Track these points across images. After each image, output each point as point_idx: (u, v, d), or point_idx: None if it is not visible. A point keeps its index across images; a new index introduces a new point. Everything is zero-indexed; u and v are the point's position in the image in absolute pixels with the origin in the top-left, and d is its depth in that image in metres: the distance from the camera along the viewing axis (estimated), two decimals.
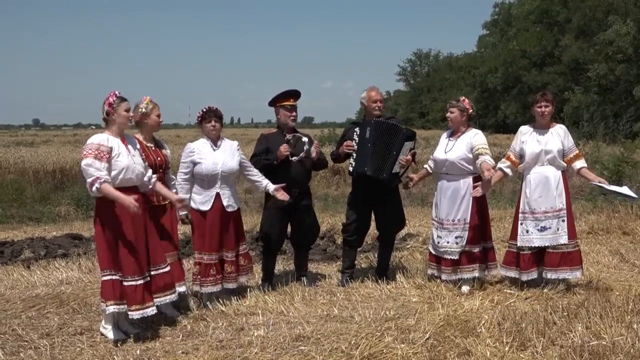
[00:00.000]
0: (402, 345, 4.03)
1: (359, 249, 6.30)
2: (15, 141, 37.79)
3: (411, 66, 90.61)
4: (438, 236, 5.57)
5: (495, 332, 4.31)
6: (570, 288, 5.38)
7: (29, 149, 23.06)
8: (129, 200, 4.23)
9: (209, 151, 5.19)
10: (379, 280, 5.79)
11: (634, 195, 5.46)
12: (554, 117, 5.58)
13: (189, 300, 5.26)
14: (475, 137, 5.43)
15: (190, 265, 5.53)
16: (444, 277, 5.55)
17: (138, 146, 4.65)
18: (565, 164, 5.42)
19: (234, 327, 4.67)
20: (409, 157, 5.62)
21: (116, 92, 4.47)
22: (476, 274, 5.49)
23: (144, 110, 4.90)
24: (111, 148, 4.34)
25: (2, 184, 14.22)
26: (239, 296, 5.32)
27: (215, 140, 5.28)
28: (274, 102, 5.76)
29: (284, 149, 5.49)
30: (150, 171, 4.70)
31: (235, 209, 5.28)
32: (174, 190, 5.10)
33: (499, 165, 5.57)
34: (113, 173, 4.32)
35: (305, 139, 5.69)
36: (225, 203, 5.18)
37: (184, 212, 5.16)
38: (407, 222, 6.43)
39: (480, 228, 5.49)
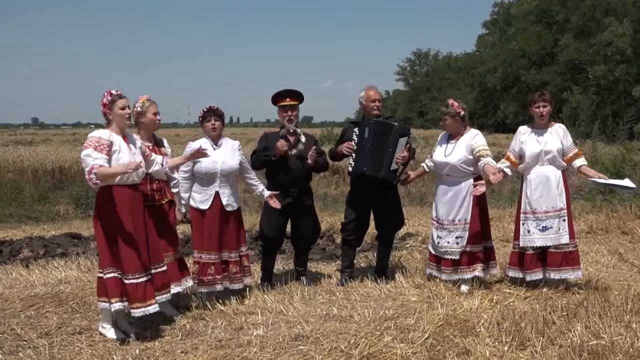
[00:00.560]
0: (402, 345, 4.03)
1: (358, 249, 6.30)
2: (14, 140, 37.75)
3: (410, 66, 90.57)
4: (438, 236, 5.56)
5: (495, 332, 4.31)
6: (569, 288, 5.38)
7: (28, 148, 23.03)
8: (123, 166, 4.19)
9: (209, 150, 5.19)
10: (378, 280, 5.79)
11: (633, 186, 5.44)
12: (553, 116, 5.57)
13: (188, 300, 5.26)
14: (474, 139, 5.43)
15: (190, 264, 5.51)
16: (444, 277, 5.55)
17: (139, 144, 4.64)
18: (565, 163, 5.42)
19: (233, 327, 4.67)
20: (406, 153, 5.60)
21: (111, 91, 4.45)
22: (476, 273, 5.49)
23: (139, 109, 4.90)
24: (111, 142, 4.33)
25: (0, 183, 14.19)
26: (238, 296, 5.32)
27: (215, 140, 5.27)
28: (274, 102, 5.77)
29: (281, 144, 5.49)
30: (160, 157, 4.76)
31: (235, 208, 5.28)
32: (175, 190, 5.11)
33: (499, 165, 5.57)
34: None
35: (302, 136, 5.68)
36: (224, 202, 5.18)
37: (183, 211, 5.17)
38: (406, 221, 6.42)
39: (481, 228, 5.49)
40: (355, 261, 6.20)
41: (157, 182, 4.94)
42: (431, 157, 5.77)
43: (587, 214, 9.24)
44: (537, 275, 5.40)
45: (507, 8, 52.39)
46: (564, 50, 39.57)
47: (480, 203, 5.47)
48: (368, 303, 5.18)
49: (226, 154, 5.25)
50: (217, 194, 5.17)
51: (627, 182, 5.43)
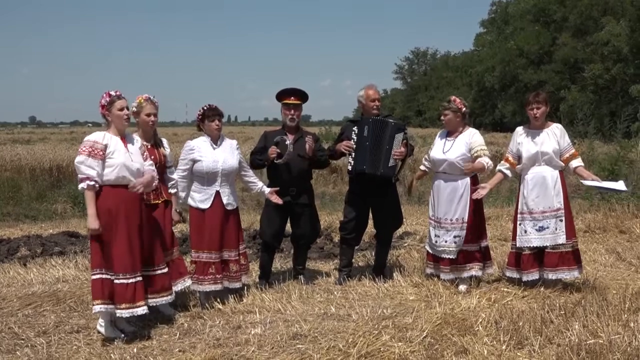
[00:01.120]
0: (400, 344, 4.03)
1: (356, 247, 6.30)
2: (12, 139, 37.69)
3: (408, 64, 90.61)
4: (436, 235, 5.56)
5: (493, 331, 4.31)
6: (567, 287, 5.38)
7: (26, 146, 22.93)
8: (92, 221, 4.26)
9: (209, 149, 5.18)
10: (376, 279, 5.79)
11: (625, 188, 5.44)
12: (550, 115, 5.56)
13: (186, 299, 5.25)
14: (473, 138, 5.44)
15: (187, 264, 5.51)
16: (442, 276, 5.55)
17: (139, 145, 4.63)
18: (563, 164, 5.40)
19: (231, 325, 4.66)
20: (402, 149, 5.59)
21: (110, 92, 4.44)
22: (474, 272, 5.49)
23: (134, 109, 4.89)
24: (106, 146, 4.33)
25: None
26: (236, 294, 5.31)
27: (215, 139, 5.27)
28: (279, 99, 5.76)
29: (271, 151, 5.48)
30: (150, 168, 4.69)
31: (235, 207, 5.28)
32: (173, 191, 5.10)
33: (499, 167, 5.61)
34: (107, 170, 4.32)
35: (288, 142, 5.63)
36: (225, 201, 5.17)
37: (178, 211, 5.15)
38: (404, 220, 6.42)
39: (477, 227, 5.50)
40: (353, 260, 6.21)
41: None
42: (428, 156, 5.77)
43: (585, 213, 9.25)
44: (533, 275, 5.40)
45: (504, 7, 52.42)
46: (561, 48, 39.62)
47: (476, 202, 5.47)
48: (366, 302, 5.18)
49: (226, 153, 5.24)
50: (217, 193, 5.16)
51: (620, 185, 5.41)
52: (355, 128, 5.67)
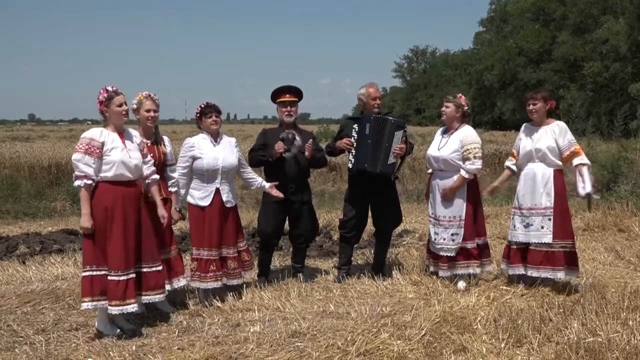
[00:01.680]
0: (398, 342, 4.03)
1: (355, 245, 6.30)
2: (11, 136, 37.68)
3: (408, 63, 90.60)
4: (435, 233, 5.57)
5: (491, 329, 4.31)
6: (566, 285, 5.38)
7: (25, 144, 22.92)
8: (86, 220, 4.29)
9: (209, 146, 5.18)
10: (375, 277, 5.79)
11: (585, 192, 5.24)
12: (551, 113, 5.55)
13: (185, 296, 5.25)
14: (467, 136, 5.44)
15: (187, 261, 5.51)
16: (441, 273, 5.56)
17: (137, 141, 4.62)
18: (561, 162, 5.33)
19: (230, 323, 4.66)
20: (402, 145, 5.59)
21: (107, 88, 4.43)
22: (471, 270, 5.50)
23: (134, 106, 4.90)
24: (103, 143, 4.32)
25: None
26: (235, 292, 5.31)
27: (215, 136, 5.26)
28: (273, 99, 5.76)
29: (278, 147, 5.48)
30: (150, 169, 4.68)
31: (234, 204, 5.28)
32: (173, 190, 5.09)
33: (506, 163, 5.69)
34: (105, 167, 4.32)
35: (298, 138, 5.67)
36: (224, 198, 5.17)
37: (177, 209, 5.15)
38: (403, 218, 6.42)
39: (474, 224, 5.50)
40: (352, 258, 6.20)
41: None
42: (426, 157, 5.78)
43: (584, 211, 9.23)
44: (519, 270, 5.41)
45: (503, 6, 52.38)
46: (560, 47, 39.62)
47: (473, 200, 5.48)
48: (365, 300, 5.18)
49: (226, 151, 5.24)
50: (217, 190, 5.16)
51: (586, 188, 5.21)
52: (355, 125, 5.67)
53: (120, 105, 4.42)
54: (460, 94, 5.68)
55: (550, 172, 5.29)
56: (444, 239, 5.48)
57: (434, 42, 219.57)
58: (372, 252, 6.44)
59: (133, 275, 4.43)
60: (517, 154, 5.54)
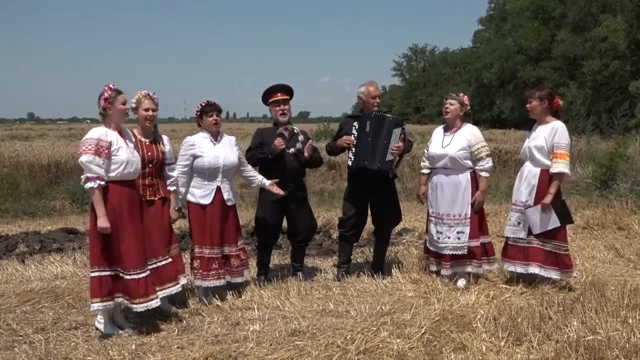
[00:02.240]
0: (398, 340, 4.03)
1: (355, 244, 6.29)
2: (10, 135, 37.63)
3: (407, 61, 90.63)
4: (438, 232, 5.55)
5: (491, 327, 4.31)
6: (565, 283, 5.39)
7: (24, 142, 22.92)
8: (103, 221, 4.22)
9: (210, 145, 5.18)
10: (375, 275, 5.79)
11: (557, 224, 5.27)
12: (555, 112, 5.50)
13: (185, 295, 5.25)
14: (474, 134, 5.49)
15: (187, 260, 5.50)
16: (443, 272, 5.55)
17: (134, 140, 4.62)
18: (548, 162, 5.24)
19: (230, 322, 4.66)
20: (400, 143, 5.59)
21: (111, 85, 4.42)
22: (469, 269, 5.50)
23: (133, 105, 4.88)
24: (110, 142, 4.30)
25: None
26: (235, 291, 5.31)
27: (215, 135, 5.26)
28: (265, 100, 5.76)
29: (278, 142, 5.47)
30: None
31: (233, 203, 5.30)
32: (173, 189, 5.07)
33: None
34: (113, 167, 4.30)
35: (300, 135, 5.68)
36: (225, 197, 5.18)
37: (176, 208, 5.14)
38: (402, 216, 6.42)
39: (477, 223, 5.50)
40: (352, 256, 6.20)
41: (149, 178, 4.91)
42: (426, 156, 5.76)
43: (584, 209, 9.25)
44: (512, 266, 5.48)
45: (502, 4, 52.36)
46: (559, 45, 39.63)
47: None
48: (365, 298, 5.18)
49: (226, 149, 5.24)
50: (218, 188, 5.17)
51: (552, 224, 5.21)
52: (355, 123, 5.66)
53: (124, 104, 4.42)
54: (462, 94, 5.73)
55: (536, 171, 5.29)
56: (449, 238, 5.47)
57: (433, 41, 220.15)
58: (372, 250, 6.44)
59: (149, 272, 4.46)
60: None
